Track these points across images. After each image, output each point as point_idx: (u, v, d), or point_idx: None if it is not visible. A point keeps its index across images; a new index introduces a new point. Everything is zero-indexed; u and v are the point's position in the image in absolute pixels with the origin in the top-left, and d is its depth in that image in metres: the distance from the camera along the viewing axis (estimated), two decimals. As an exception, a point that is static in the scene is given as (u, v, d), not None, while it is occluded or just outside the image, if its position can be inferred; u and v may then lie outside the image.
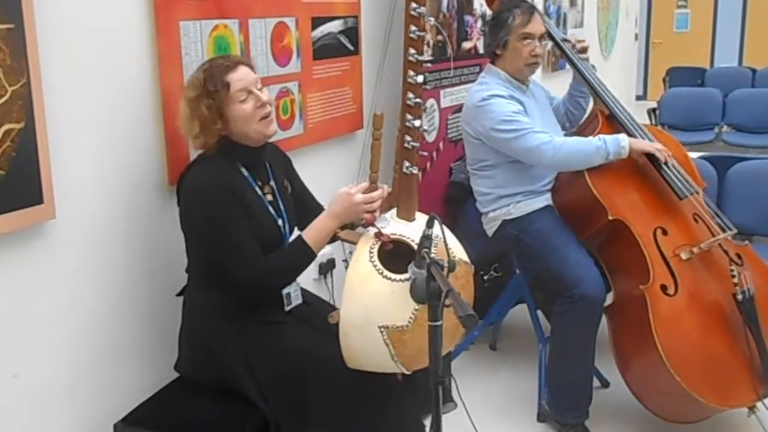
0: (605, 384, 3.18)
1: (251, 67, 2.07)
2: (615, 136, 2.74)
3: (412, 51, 2.28)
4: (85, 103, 1.93)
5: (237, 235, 1.98)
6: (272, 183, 2.17)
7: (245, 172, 2.08)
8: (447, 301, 1.48)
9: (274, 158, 2.23)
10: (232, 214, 1.98)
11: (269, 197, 2.13)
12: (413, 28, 2.28)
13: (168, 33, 2.14)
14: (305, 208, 2.28)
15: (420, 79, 2.25)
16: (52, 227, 1.85)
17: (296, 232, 2.20)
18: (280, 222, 2.13)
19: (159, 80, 2.14)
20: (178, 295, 2.15)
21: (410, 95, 2.25)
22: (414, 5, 2.29)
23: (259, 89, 2.04)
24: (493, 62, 2.98)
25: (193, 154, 2.25)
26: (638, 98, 11.42)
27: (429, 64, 2.47)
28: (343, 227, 2.13)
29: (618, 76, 8.87)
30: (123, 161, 2.07)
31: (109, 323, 2.07)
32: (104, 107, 2.00)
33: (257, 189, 2.09)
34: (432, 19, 2.33)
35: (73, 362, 1.96)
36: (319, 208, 2.31)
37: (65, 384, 1.94)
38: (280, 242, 2.13)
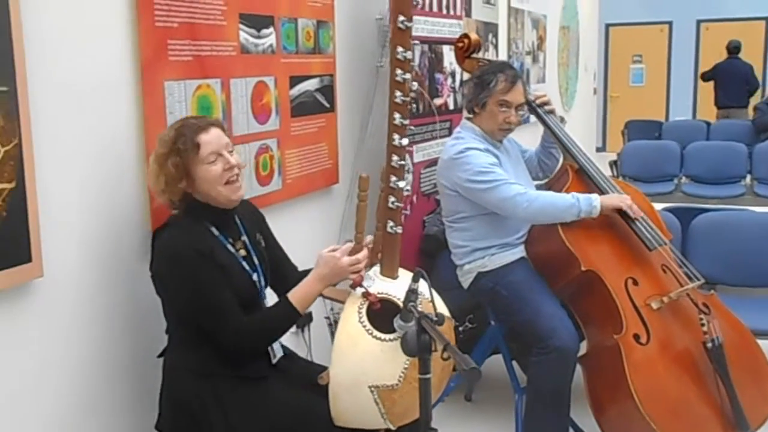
0: (581, 434, 3.21)
1: (223, 129, 2.08)
2: (588, 195, 2.80)
3: (397, 115, 2.30)
4: (73, 162, 1.96)
5: (216, 297, 1.99)
6: (244, 238, 2.17)
7: (215, 231, 2.08)
8: (445, 355, 1.51)
9: (245, 213, 2.23)
10: (208, 277, 1.98)
11: (242, 252, 2.14)
12: (398, 93, 2.31)
13: (153, 93, 2.19)
14: (278, 265, 2.29)
15: (404, 141, 2.28)
16: (39, 285, 1.85)
17: (269, 291, 2.22)
18: (255, 277, 2.14)
19: (144, 139, 2.17)
20: (160, 356, 2.14)
21: (395, 157, 2.28)
22: (399, 71, 2.32)
23: (230, 152, 2.04)
24: (469, 117, 3.06)
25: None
26: (598, 150, 11.71)
27: (411, 127, 2.51)
28: None
29: (579, 128, 9.10)
30: (108, 218, 2.09)
31: (93, 381, 2.06)
32: (91, 166, 2.02)
33: (229, 246, 2.10)
34: (416, 83, 2.37)
35: (56, 421, 1.94)
36: (292, 267, 2.33)
37: (48, 444, 1.92)
38: (255, 297, 2.14)
